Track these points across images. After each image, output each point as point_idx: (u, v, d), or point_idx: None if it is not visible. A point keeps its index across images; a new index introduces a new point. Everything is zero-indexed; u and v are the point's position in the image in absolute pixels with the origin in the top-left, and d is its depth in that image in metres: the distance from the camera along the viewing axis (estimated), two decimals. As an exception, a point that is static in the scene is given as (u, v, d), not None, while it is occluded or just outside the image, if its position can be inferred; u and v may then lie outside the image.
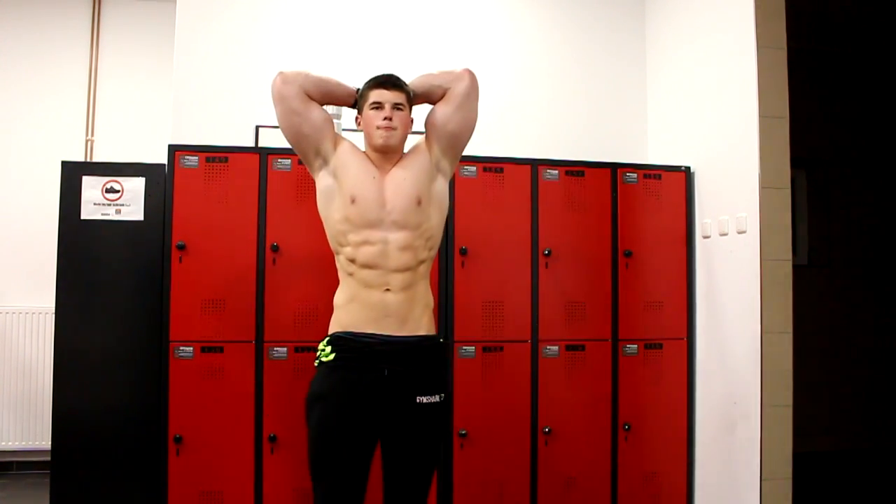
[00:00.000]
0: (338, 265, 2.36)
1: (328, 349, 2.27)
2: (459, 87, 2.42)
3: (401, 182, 2.32)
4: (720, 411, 3.40)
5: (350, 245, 2.29)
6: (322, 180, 2.37)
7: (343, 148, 2.37)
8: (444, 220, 2.43)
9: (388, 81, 2.36)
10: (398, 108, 2.33)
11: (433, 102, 2.46)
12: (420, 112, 2.51)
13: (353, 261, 2.28)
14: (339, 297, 2.33)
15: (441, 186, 2.41)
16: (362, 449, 2.25)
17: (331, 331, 2.32)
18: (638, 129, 4.15)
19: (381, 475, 2.32)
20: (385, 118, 2.30)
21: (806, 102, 4.61)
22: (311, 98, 2.34)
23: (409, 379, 2.26)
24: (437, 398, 2.29)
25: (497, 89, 4.00)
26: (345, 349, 2.25)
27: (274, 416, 3.15)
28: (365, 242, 2.26)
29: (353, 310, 2.27)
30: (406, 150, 2.44)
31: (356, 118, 2.42)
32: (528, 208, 3.46)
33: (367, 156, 2.39)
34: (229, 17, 3.80)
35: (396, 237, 2.27)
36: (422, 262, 2.32)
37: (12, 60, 4.74)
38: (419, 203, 2.31)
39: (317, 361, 2.32)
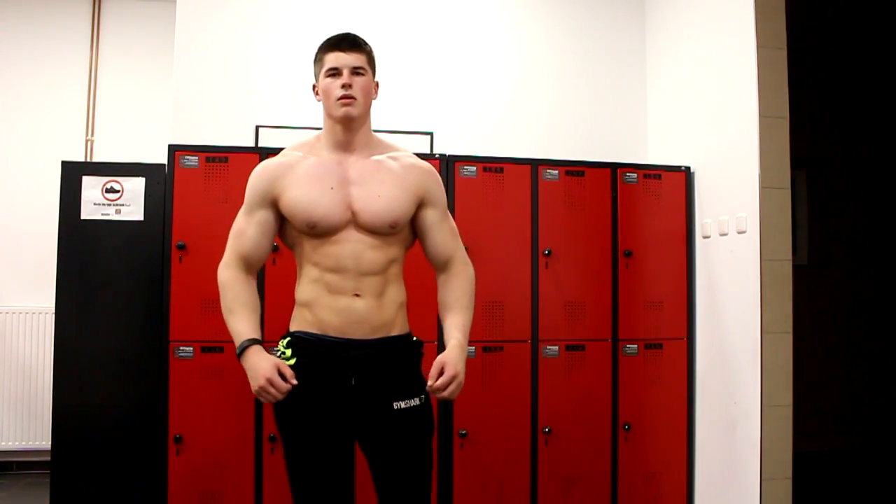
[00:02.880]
0: (297, 260, 2.11)
1: (288, 351, 2.03)
2: (457, 259, 2.19)
3: (373, 197, 2.03)
4: (720, 411, 3.40)
5: (310, 245, 2.04)
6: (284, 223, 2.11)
7: (282, 188, 2.05)
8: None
9: (343, 41, 2.07)
10: (358, 73, 2.04)
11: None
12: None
13: (315, 263, 2.03)
14: (302, 294, 2.07)
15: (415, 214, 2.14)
16: (336, 461, 2.01)
17: (292, 327, 2.07)
18: (638, 129, 4.15)
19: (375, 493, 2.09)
20: (344, 85, 2.02)
21: (807, 102, 4.61)
22: (247, 260, 2.08)
23: (382, 385, 2.03)
24: (416, 401, 2.05)
25: (497, 89, 4.00)
26: (306, 353, 2.01)
27: (273, 416, 3.15)
28: (330, 243, 2.01)
29: (316, 312, 2.02)
30: (387, 144, 2.19)
31: (313, 87, 2.13)
32: (529, 208, 3.46)
33: (320, 145, 2.11)
34: (229, 18, 3.80)
35: (364, 236, 2.02)
36: (393, 261, 2.07)
37: (13, 60, 4.74)
38: (393, 227, 2.05)
39: None
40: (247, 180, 2.10)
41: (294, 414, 2.01)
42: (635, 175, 3.60)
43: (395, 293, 2.08)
